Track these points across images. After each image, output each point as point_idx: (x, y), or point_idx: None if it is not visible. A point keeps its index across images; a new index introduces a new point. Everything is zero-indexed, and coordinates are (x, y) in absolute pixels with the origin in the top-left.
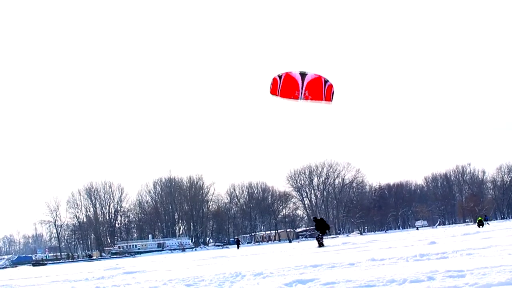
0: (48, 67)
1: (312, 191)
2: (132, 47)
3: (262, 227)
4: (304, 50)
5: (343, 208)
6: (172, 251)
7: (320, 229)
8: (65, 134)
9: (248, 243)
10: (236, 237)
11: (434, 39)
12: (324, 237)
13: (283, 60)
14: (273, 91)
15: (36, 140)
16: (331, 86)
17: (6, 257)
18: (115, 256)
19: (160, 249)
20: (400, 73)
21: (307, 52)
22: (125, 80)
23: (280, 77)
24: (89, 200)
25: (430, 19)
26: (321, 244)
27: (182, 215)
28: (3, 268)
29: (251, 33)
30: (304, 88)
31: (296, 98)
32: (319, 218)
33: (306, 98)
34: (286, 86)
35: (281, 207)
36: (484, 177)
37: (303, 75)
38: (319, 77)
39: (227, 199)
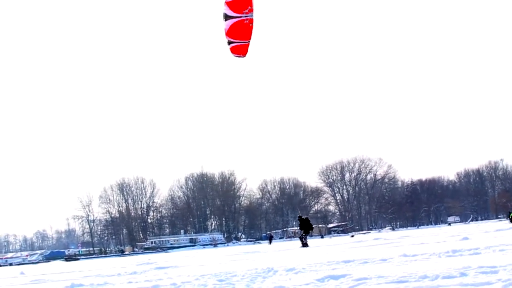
0: (83, 65)
1: (344, 187)
2: (169, 40)
3: (294, 223)
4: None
5: (375, 204)
6: (204, 246)
7: (304, 228)
8: (98, 130)
9: (280, 238)
10: (268, 232)
11: (469, 29)
12: (307, 237)
13: (312, 51)
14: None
15: (70, 136)
16: (247, 46)
17: (39, 252)
18: (147, 251)
19: (192, 244)
20: (432, 68)
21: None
22: (159, 75)
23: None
24: (121, 195)
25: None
26: (304, 244)
27: (214, 211)
28: (36, 263)
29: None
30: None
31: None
32: (304, 217)
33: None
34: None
35: (313, 203)
36: None
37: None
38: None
39: (259, 194)
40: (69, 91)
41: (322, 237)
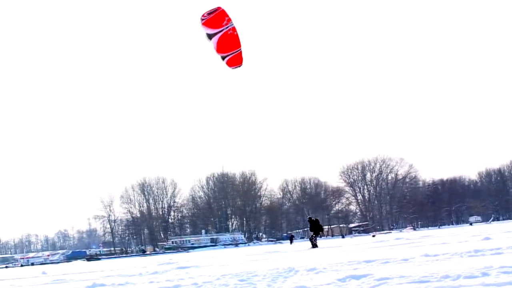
0: (106, 67)
1: (365, 187)
2: (187, 41)
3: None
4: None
5: (396, 204)
6: (225, 246)
7: (314, 230)
8: (119, 131)
9: (301, 238)
10: (289, 232)
11: (486, 26)
12: (317, 238)
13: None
14: (207, 13)
15: (92, 136)
16: (240, 55)
17: (60, 251)
18: (168, 251)
19: (213, 244)
20: (455, 66)
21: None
22: (181, 76)
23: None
24: (142, 195)
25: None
26: (314, 245)
27: (235, 210)
28: (58, 262)
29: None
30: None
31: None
32: (314, 219)
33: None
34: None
35: (334, 203)
36: None
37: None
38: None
39: (280, 194)
40: (91, 92)
41: (343, 237)
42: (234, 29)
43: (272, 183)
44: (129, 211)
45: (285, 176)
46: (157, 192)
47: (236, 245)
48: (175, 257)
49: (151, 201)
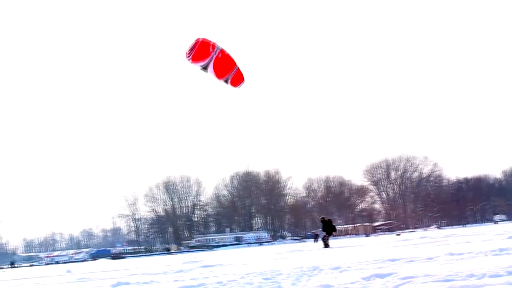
0: (129, 66)
1: (389, 185)
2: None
3: (339, 221)
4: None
5: (420, 202)
6: (250, 244)
7: (327, 230)
8: (144, 130)
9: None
10: (314, 231)
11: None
12: (330, 238)
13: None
14: (189, 52)
15: (116, 135)
16: (240, 73)
17: (85, 250)
18: (193, 250)
19: (238, 242)
20: (478, 64)
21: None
22: (204, 74)
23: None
24: (166, 194)
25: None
26: (326, 245)
27: (259, 209)
28: (82, 261)
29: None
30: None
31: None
32: (326, 219)
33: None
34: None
35: (358, 201)
36: None
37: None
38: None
39: (304, 193)
40: (117, 91)
41: (367, 235)
42: (223, 51)
43: (297, 181)
44: (154, 209)
45: (309, 174)
46: (182, 191)
47: (260, 243)
48: (200, 256)
49: (175, 199)
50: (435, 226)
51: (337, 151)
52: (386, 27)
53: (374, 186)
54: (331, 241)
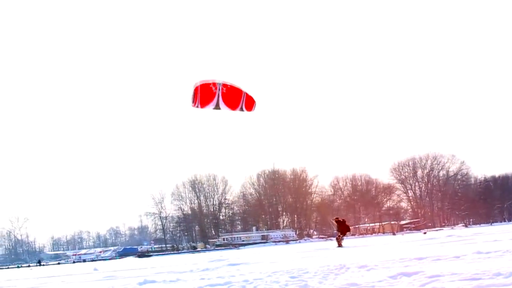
0: (155, 67)
1: (416, 183)
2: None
3: (366, 220)
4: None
5: (447, 201)
6: (276, 243)
7: (341, 230)
8: (170, 128)
9: (352, 235)
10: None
11: None
12: (344, 238)
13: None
14: (194, 102)
15: (143, 134)
16: (250, 96)
17: (112, 248)
18: (219, 248)
19: (264, 241)
20: (504, 62)
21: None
22: (231, 71)
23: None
24: (193, 192)
25: None
26: (340, 245)
27: (285, 207)
28: (109, 259)
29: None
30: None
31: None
32: (341, 220)
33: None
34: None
35: (385, 200)
36: None
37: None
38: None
39: (331, 191)
40: (143, 90)
41: (394, 234)
42: (225, 84)
43: (323, 180)
44: (180, 208)
45: (336, 173)
46: (208, 189)
47: (287, 242)
48: (226, 254)
49: (202, 198)
50: (462, 224)
51: (364, 149)
52: (410, 24)
53: (401, 185)
54: (345, 241)
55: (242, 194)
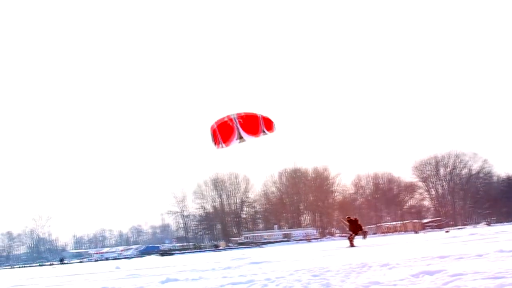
0: (185, 68)
1: (439, 182)
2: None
3: (388, 218)
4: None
5: (470, 199)
6: (298, 241)
7: (353, 229)
8: (191, 127)
9: (373, 233)
10: (362, 227)
11: None
12: (356, 237)
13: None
14: (217, 143)
15: (164, 133)
16: (266, 118)
17: (134, 247)
18: (241, 247)
19: (286, 239)
20: None
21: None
22: (252, 70)
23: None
24: (215, 190)
25: None
26: (352, 245)
27: (307, 206)
28: (131, 257)
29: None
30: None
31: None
32: (353, 218)
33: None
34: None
35: (407, 198)
36: None
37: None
38: (252, 114)
39: (353, 189)
40: (164, 90)
41: (416, 232)
42: (239, 116)
43: (345, 178)
44: (202, 206)
45: (358, 171)
46: (230, 188)
47: (309, 240)
48: (248, 252)
49: (223, 196)
50: (485, 223)
51: (386, 148)
52: (430, 20)
53: (423, 183)
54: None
55: (263, 192)
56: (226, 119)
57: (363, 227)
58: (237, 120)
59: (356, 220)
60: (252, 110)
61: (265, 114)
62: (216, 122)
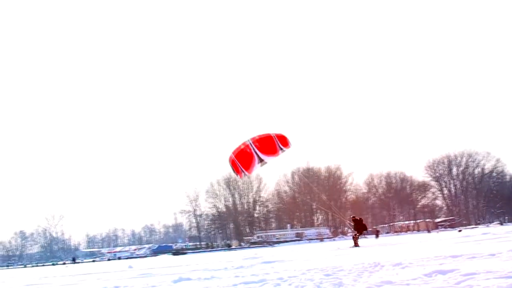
0: (199, 67)
1: (451, 181)
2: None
3: (401, 217)
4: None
5: (482, 198)
6: (311, 241)
7: (358, 229)
8: (205, 126)
9: (386, 233)
10: (375, 227)
11: None
12: (360, 237)
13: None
14: (239, 172)
15: (176, 132)
16: (280, 135)
17: (147, 246)
18: (253, 246)
19: (299, 239)
20: None
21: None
22: (262, 71)
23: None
24: (228, 190)
25: None
26: (356, 244)
27: (320, 205)
28: (144, 256)
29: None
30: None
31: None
32: (358, 218)
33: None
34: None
35: (419, 197)
36: None
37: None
38: (266, 136)
39: (365, 189)
40: (174, 89)
41: (429, 231)
42: (253, 139)
43: (358, 177)
44: (215, 206)
45: (370, 170)
46: (243, 187)
47: (321, 239)
48: (261, 252)
49: (236, 195)
50: (498, 222)
51: (399, 147)
52: (445, 21)
53: (436, 182)
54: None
55: (276, 192)
56: (242, 146)
57: (367, 227)
58: (253, 145)
59: (361, 220)
60: (266, 112)
61: (277, 132)
62: (234, 152)
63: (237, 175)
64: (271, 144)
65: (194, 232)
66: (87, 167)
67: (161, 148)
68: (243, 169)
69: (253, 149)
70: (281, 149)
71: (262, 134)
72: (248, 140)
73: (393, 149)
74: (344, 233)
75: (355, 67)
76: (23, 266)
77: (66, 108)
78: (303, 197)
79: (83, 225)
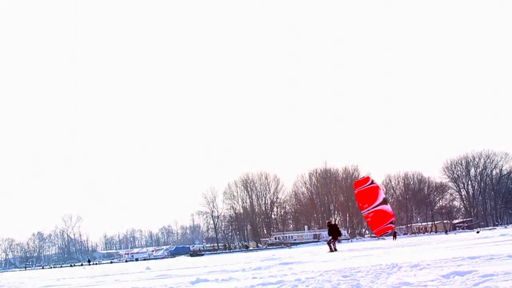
0: (209, 67)
1: (469, 182)
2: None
3: (419, 218)
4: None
5: (500, 200)
6: None
7: (332, 234)
8: (222, 127)
9: (404, 234)
10: (393, 226)
11: None
12: (336, 242)
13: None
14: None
15: (195, 134)
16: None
17: (164, 247)
18: (271, 247)
19: (316, 240)
20: None
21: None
22: (283, 71)
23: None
24: (245, 191)
25: None
26: (332, 249)
27: (337, 206)
28: (162, 258)
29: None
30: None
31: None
32: (333, 223)
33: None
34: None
35: (437, 198)
36: None
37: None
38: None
39: (383, 190)
40: (192, 90)
41: (446, 232)
42: (369, 211)
43: (375, 178)
44: (232, 207)
45: (388, 171)
46: (260, 188)
47: (339, 241)
48: (278, 253)
49: (254, 197)
50: None
51: (416, 148)
52: (466, 22)
53: (454, 183)
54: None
55: (294, 193)
56: (366, 213)
57: (342, 233)
58: (369, 211)
59: (335, 225)
60: (281, 113)
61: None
62: (377, 228)
63: (379, 234)
64: (381, 218)
65: (211, 233)
66: (104, 168)
67: (179, 150)
68: (384, 229)
69: (371, 212)
70: (392, 224)
71: (370, 207)
72: (364, 211)
73: (411, 150)
74: (361, 235)
75: (375, 66)
76: (40, 267)
77: (85, 110)
78: (321, 198)
79: (101, 226)
